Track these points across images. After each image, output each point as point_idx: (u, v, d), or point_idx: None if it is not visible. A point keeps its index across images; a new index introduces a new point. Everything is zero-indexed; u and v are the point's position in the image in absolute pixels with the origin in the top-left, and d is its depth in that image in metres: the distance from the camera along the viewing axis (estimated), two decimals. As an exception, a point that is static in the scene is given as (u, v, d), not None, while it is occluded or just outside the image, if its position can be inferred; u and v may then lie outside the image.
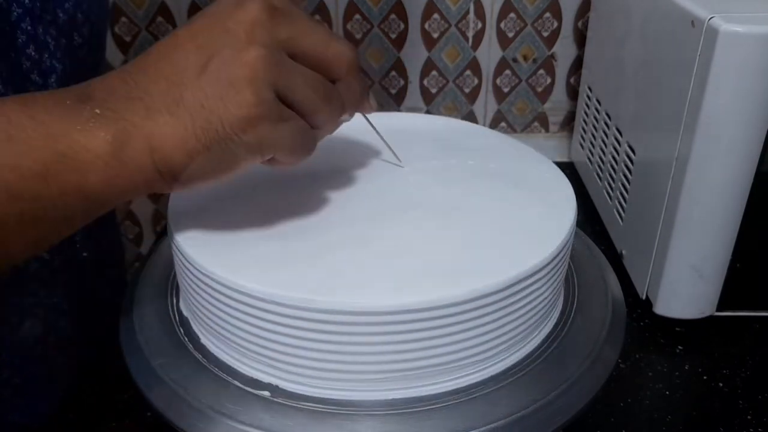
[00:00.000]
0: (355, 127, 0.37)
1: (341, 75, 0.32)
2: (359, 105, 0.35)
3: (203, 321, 0.36)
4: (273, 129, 0.30)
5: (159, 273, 0.42)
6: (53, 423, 0.45)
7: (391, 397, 0.33)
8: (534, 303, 0.34)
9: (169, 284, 0.41)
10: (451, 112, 0.85)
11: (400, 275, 0.32)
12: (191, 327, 0.37)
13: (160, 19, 0.78)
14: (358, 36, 0.80)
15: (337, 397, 0.33)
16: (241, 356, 0.34)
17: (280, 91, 0.30)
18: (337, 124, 0.35)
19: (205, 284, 0.33)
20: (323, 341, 0.31)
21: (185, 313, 0.38)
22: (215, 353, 0.36)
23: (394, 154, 0.42)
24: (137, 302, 0.39)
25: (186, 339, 0.37)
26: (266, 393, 0.33)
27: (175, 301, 0.39)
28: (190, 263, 0.34)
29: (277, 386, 0.33)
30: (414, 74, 0.82)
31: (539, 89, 0.84)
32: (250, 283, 0.31)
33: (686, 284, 0.50)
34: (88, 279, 0.49)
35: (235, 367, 0.35)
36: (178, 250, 0.35)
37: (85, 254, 0.48)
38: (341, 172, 0.41)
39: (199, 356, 0.35)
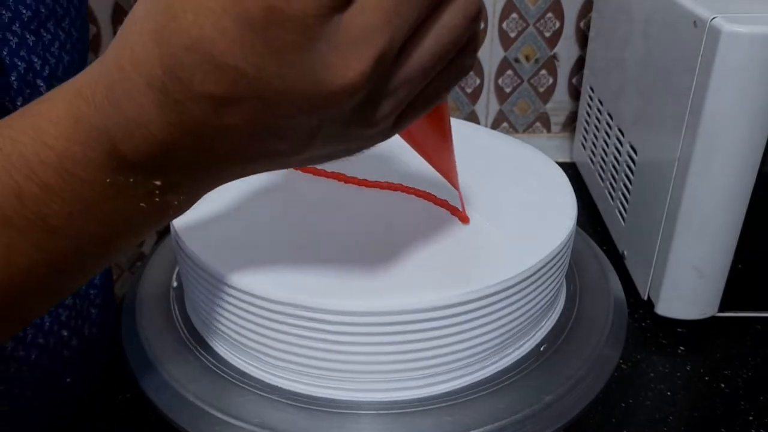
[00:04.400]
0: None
1: None
2: None
3: (204, 318, 0.36)
4: None
5: (161, 273, 0.42)
6: (54, 423, 0.45)
7: (391, 398, 0.33)
8: (534, 303, 0.34)
9: (171, 284, 0.41)
10: (452, 112, 0.85)
11: (400, 275, 0.32)
12: (194, 327, 0.38)
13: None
14: (360, 36, 0.80)
15: (338, 397, 0.33)
16: (243, 355, 0.34)
17: None
18: None
19: (208, 282, 0.33)
20: (324, 341, 0.31)
21: (188, 310, 0.38)
22: (219, 352, 0.36)
23: None
24: (139, 303, 0.40)
25: (192, 342, 0.37)
26: (267, 393, 0.33)
27: (176, 302, 0.40)
28: (194, 262, 0.34)
29: (277, 386, 0.34)
30: (416, 74, 0.82)
31: (541, 89, 0.84)
32: (252, 283, 0.31)
33: (688, 285, 0.50)
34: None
35: (237, 365, 0.35)
36: (182, 250, 0.35)
37: None
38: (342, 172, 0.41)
39: (197, 349, 0.36)
